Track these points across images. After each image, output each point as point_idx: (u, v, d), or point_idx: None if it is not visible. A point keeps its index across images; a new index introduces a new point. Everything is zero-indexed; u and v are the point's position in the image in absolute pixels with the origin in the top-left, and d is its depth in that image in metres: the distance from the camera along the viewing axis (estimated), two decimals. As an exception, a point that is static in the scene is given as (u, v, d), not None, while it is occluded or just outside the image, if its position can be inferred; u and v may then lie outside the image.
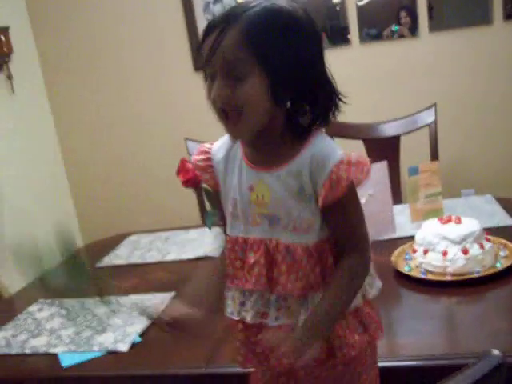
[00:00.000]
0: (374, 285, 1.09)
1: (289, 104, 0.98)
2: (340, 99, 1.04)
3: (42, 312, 1.77)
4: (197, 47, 0.99)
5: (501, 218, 1.91)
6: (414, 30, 3.01)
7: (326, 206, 0.97)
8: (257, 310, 1.05)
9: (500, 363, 0.71)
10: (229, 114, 0.96)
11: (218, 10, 3.14)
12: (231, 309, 1.09)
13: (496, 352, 0.73)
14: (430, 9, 2.97)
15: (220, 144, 1.10)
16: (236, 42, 0.91)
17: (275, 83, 0.94)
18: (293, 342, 0.95)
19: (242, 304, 1.07)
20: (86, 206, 3.63)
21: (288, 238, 1.01)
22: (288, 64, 0.93)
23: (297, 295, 1.01)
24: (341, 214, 1.00)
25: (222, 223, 1.15)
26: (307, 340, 0.96)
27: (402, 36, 3.03)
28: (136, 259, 2.11)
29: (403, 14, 3.02)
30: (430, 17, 2.97)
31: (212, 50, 0.93)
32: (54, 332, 1.62)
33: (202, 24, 3.17)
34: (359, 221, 1.03)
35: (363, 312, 1.06)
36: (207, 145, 1.12)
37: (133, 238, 2.36)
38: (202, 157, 1.10)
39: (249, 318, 1.05)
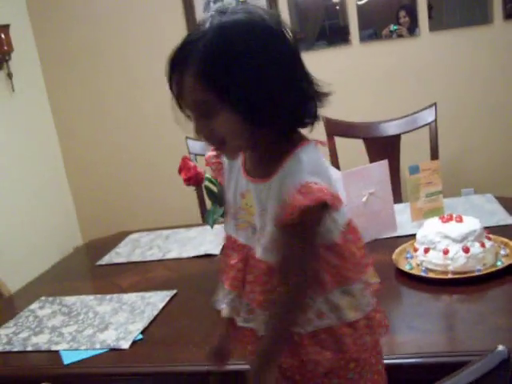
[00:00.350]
0: (359, 308, 1.05)
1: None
2: (318, 99, 1.01)
3: (43, 310, 1.78)
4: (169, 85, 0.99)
5: (501, 217, 1.91)
6: (412, 29, 3.02)
7: (277, 227, 0.96)
8: (232, 307, 1.09)
9: (506, 358, 0.72)
10: (215, 147, 1.02)
11: (218, 8, 3.14)
12: (219, 298, 1.13)
13: (502, 347, 0.73)
14: (430, 8, 2.98)
15: None
16: (194, 87, 0.92)
17: (247, 111, 0.93)
18: (252, 373, 1.00)
19: (227, 302, 1.11)
20: (85, 204, 3.64)
21: (259, 252, 1.02)
22: (255, 89, 0.91)
23: (258, 307, 1.03)
24: (283, 243, 0.97)
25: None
26: (263, 367, 0.99)
27: (400, 36, 3.04)
28: (137, 257, 2.11)
29: (402, 13, 3.03)
30: (430, 16, 2.98)
31: (178, 96, 0.96)
32: (56, 329, 1.63)
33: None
34: (292, 257, 0.98)
35: (338, 332, 1.03)
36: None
37: (134, 236, 2.36)
38: (215, 153, 1.15)
39: (225, 312, 1.10)
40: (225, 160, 1.11)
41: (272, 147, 0.99)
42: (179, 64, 0.93)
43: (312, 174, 0.94)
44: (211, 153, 1.16)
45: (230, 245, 1.10)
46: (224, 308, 1.11)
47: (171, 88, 0.97)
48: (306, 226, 0.94)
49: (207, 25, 0.92)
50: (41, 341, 1.57)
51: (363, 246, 1.08)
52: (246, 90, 0.91)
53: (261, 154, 1.02)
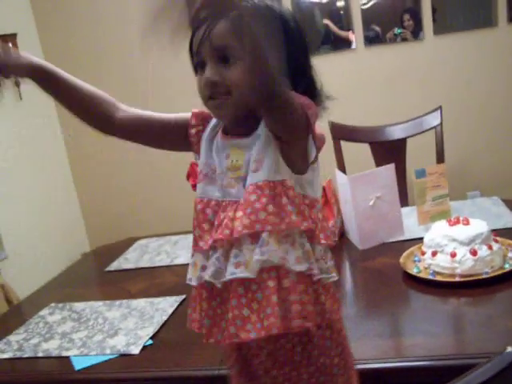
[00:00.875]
0: (330, 268, 1.06)
1: None
2: (320, 99, 1.07)
3: (53, 316, 1.79)
4: (191, 39, 1.02)
5: (508, 220, 1.92)
6: (417, 33, 3.03)
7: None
8: (217, 268, 1.02)
9: (515, 360, 0.72)
10: (217, 96, 1.00)
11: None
12: (190, 275, 1.08)
13: (511, 349, 0.74)
14: (434, 12, 2.98)
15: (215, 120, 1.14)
16: (224, 31, 0.96)
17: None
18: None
19: (204, 268, 1.05)
20: (93, 210, 3.65)
21: (253, 178, 1.00)
22: (273, 54, 0.94)
23: (252, 237, 0.99)
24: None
25: None
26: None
27: (405, 39, 3.05)
28: (145, 263, 2.12)
29: (406, 17, 3.03)
30: (434, 20, 2.99)
31: (202, 38, 0.98)
32: (66, 335, 1.64)
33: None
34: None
35: (318, 288, 1.03)
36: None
37: (142, 242, 2.38)
38: (202, 116, 1.15)
39: (209, 273, 1.03)
40: (209, 124, 1.12)
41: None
42: (214, 15, 0.96)
43: None
44: (198, 110, 1.15)
45: (210, 210, 1.06)
46: (206, 276, 1.04)
47: (193, 33, 1.00)
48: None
49: None
50: (51, 347, 1.58)
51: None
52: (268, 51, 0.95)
53: (248, 118, 1.03)
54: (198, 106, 1.11)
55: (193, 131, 1.15)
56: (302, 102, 0.98)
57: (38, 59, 1.18)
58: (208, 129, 1.13)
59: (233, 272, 1.00)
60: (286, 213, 0.99)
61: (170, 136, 1.19)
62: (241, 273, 0.99)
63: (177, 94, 3.36)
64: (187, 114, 1.18)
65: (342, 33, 3.14)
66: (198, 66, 1.03)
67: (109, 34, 3.36)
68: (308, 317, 1.00)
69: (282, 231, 0.99)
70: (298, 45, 1.04)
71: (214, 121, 1.14)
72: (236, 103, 1.00)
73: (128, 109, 1.24)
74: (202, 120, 1.15)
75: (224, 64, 0.98)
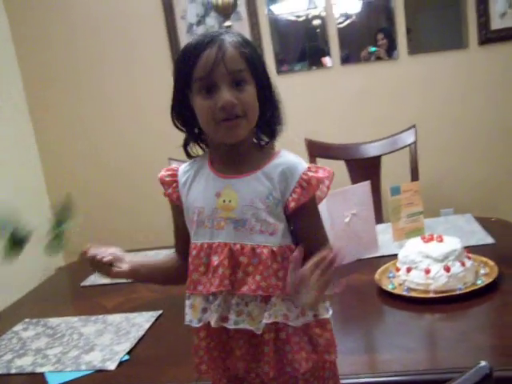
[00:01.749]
0: (326, 307, 1.12)
1: None
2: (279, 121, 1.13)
3: (27, 331, 1.77)
4: (188, 64, 1.05)
5: (480, 237, 1.95)
6: (391, 52, 3.08)
7: (297, 209, 1.05)
8: (220, 314, 1.07)
9: (488, 373, 0.74)
10: (235, 119, 1.04)
11: (201, 31, 3.18)
12: (190, 317, 1.11)
13: (484, 363, 0.76)
14: (408, 32, 3.04)
15: (186, 165, 1.17)
16: (236, 55, 1.04)
17: (260, 94, 1.07)
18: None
19: (205, 310, 1.09)
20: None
21: (255, 240, 1.05)
22: (265, 78, 1.09)
23: (260, 296, 1.05)
24: (311, 216, 1.10)
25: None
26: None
27: (379, 58, 3.10)
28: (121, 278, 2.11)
29: (380, 36, 3.09)
30: (408, 39, 3.05)
31: (216, 63, 1.02)
32: (40, 351, 1.62)
33: (185, 45, 3.21)
34: (323, 225, 1.13)
35: (313, 330, 1.09)
36: (174, 165, 1.20)
37: (117, 257, 2.36)
38: (169, 173, 1.18)
39: (213, 321, 1.07)
40: (181, 177, 1.15)
41: (250, 146, 1.10)
42: (218, 39, 1.04)
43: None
44: (165, 172, 1.18)
45: (204, 253, 1.09)
46: (210, 319, 1.08)
47: (196, 60, 1.03)
48: (317, 200, 1.09)
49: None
50: (25, 363, 1.56)
51: None
52: (263, 75, 1.08)
53: (242, 149, 1.09)
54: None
55: (170, 192, 1.17)
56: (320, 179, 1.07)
57: (134, 261, 1.21)
58: (181, 176, 1.16)
59: (236, 321, 1.06)
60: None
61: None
62: (245, 325, 1.05)
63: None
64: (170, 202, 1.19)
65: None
66: (204, 90, 1.04)
67: (86, 47, 3.35)
68: (300, 362, 1.06)
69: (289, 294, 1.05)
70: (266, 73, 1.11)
71: (184, 166, 1.17)
72: (249, 126, 1.07)
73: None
74: (172, 175, 1.17)
75: (237, 87, 1.04)
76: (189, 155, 1.16)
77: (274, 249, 1.05)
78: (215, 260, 1.06)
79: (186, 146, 1.15)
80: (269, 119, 1.10)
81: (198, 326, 1.10)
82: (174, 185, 1.16)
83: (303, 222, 1.08)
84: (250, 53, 1.05)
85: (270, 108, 1.10)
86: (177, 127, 1.13)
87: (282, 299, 1.05)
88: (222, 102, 1.02)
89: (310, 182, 1.05)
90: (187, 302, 1.12)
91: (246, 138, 1.08)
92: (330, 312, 1.12)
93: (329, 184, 1.09)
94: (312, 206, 1.08)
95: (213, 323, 1.07)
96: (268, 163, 1.08)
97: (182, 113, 1.11)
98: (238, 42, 1.05)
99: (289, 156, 1.09)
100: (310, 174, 1.05)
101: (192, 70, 1.04)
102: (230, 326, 1.06)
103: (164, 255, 1.28)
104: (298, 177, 1.05)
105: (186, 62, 1.05)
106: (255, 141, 1.12)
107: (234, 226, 1.06)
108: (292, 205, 1.04)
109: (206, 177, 1.11)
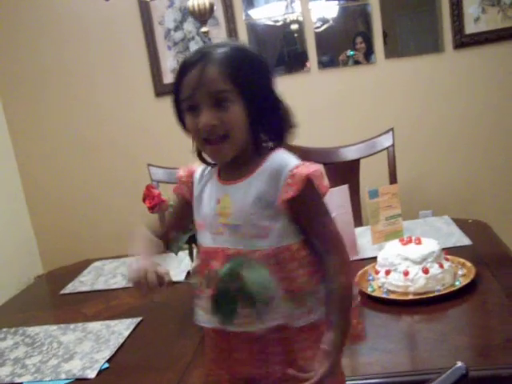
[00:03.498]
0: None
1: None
2: (291, 123, 1.12)
3: (4, 341, 1.75)
4: (174, 84, 1.08)
5: (458, 238, 1.97)
6: (369, 56, 3.11)
7: (290, 207, 1.05)
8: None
9: (464, 374, 0.75)
10: (213, 140, 1.05)
11: (178, 36, 3.18)
12: (202, 317, 1.13)
13: (460, 363, 0.77)
14: (385, 36, 3.07)
15: (202, 167, 1.19)
16: (219, 76, 1.02)
17: (251, 110, 1.05)
18: (333, 361, 1.03)
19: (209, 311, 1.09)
20: (46, 232, 3.59)
21: (248, 244, 1.06)
22: (258, 93, 1.06)
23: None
24: (306, 211, 1.07)
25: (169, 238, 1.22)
26: (339, 336, 1.05)
27: (357, 62, 3.12)
28: (101, 285, 2.10)
29: (359, 39, 3.11)
30: (385, 43, 3.07)
31: (197, 85, 1.02)
32: (19, 361, 1.60)
33: (163, 51, 3.21)
34: (327, 220, 1.09)
35: (320, 329, 1.09)
36: (193, 166, 1.21)
37: (97, 264, 2.35)
38: (187, 173, 1.20)
39: (218, 323, 1.08)
40: (197, 179, 1.17)
41: (251, 153, 1.09)
42: (204, 58, 1.04)
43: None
44: (183, 172, 1.20)
45: (207, 256, 1.11)
46: (209, 319, 1.10)
47: (181, 80, 1.05)
48: (318, 192, 1.07)
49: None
50: (3, 373, 1.54)
51: None
52: (255, 91, 1.06)
53: (239, 159, 1.09)
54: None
55: (185, 189, 1.19)
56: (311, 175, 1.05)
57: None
58: (196, 178, 1.18)
59: (240, 323, 1.05)
60: (294, 278, 1.06)
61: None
62: (245, 328, 1.06)
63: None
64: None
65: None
66: (190, 109, 1.06)
67: (64, 53, 3.33)
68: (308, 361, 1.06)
69: (290, 295, 1.06)
70: (268, 74, 1.10)
71: (202, 167, 1.18)
72: (234, 146, 1.06)
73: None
74: (189, 175, 1.19)
75: (219, 108, 1.03)
76: (204, 161, 1.16)
77: (269, 251, 1.05)
78: (214, 265, 1.08)
79: (200, 153, 1.14)
80: (274, 127, 1.10)
81: (209, 326, 1.12)
82: (190, 185, 1.18)
83: (300, 220, 1.08)
84: (237, 70, 1.04)
85: (272, 118, 1.09)
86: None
87: (283, 300, 1.05)
88: (201, 124, 1.04)
89: (295, 177, 1.04)
90: (198, 302, 1.13)
91: (241, 151, 1.08)
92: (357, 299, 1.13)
93: (319, 179, 1.06)
94: (303, 203, 1.06)
95: (216, 325, 1.09)
96: (260, 166, 1.08)
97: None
98: (224, 60, 1.04)
99: (280, 156, 1.09)
100: (295, 170, 1.05)
101: (179, 89, 1.06)
102: (231, 328, 1.07)
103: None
104: (286, 175, 1.05)
105: (176, 80, 1.07)
106: (255, 150, 1.10)
107: (230, 232, 1.08)
108: (279, 201, 1.05)
109: (212, 183, 1.14)
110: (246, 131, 1.06)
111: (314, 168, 1.06)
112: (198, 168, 1.19)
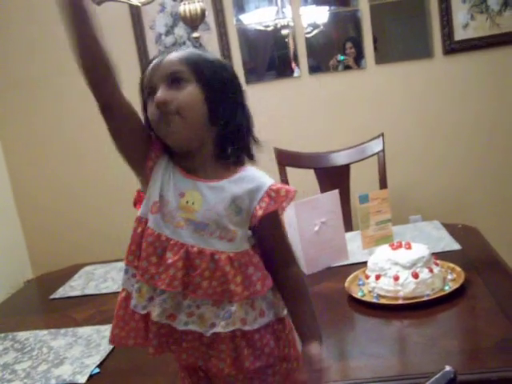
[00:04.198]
0: (283, 304, 1.16)
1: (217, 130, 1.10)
2: (254, 138, 1.14)
3: (-6, 346, 1.74)
4: (140, 80, 1.12)
5: (447, 243, 1.99)
6: (359, 61, 3.12)
7: (264, 219, 1.07)
8: (164, 309, 1.06)
9: (452, 378, 0.75)
10: (169, 117, 1.05)
11: (169, 41, 3.19)
12: (136, 301, 1.09)
13: (449, 368, 0.77)
14: (375, 41, 3.09)
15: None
16: (177, 60, 1.07)
17: (209, 99, 1.07)
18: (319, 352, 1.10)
19: (150, 299, 1.08)
20: (36, 236, 3.57)
21: (213, 245, 1.06)
22: (219, 84, 1.09)
23: (214, 301, 1.06)
24: (276, 227, 1.13)
25: None
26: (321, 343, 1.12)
27: (348, 67, 3.14)
28: (91, 290, 2.09)
29: (349, 45, 3.13)
30: (375, 48, 3.09)
31: (156, 69, 1.07)
32: (8, 367, 1.59)
33: (154, 55, 3.21)
34: (285, 233, 1.18)
35: (274, 328, 1.13)
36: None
37: (87, 268, 2.35)
38: (160, 147, 1.12)
39: (155, 314, 1.06)
40: (159, 163, 1.11)
41: (219, 155, 1.11)
42: (164, 54, 1.09)
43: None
44: (152, 154, 1.12)
45: (160, 244, 1.07)
46: (153, 314, 1.07)
47: (146, 69, 1.10)
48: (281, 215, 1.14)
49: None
50: (-8, 379, 1.54)
51: None
52: (215, 84, 1.08)
53: (207, 157, 1.10)
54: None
55: (152, 155, 1.11)
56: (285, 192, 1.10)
57: None
58: (163, 161, 1.12)
59: (186, 322, 1.07)
60: (251, 282, 1.08)
61: (140, 144, 1.12)
62: (195, 326, 1.07)
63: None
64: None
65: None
66: (150, 96, 1.07)
67: (53, 59, 3.32)
68: (262, 357, 1.10)
69: (247, 299, 1.08)
70: (236, 84, 1.13)
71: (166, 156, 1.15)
72: (187, 125, 1.05)
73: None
74: (161, 151, 1.12)
75: (174, 87, 1.05)
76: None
77: (232, 255, 1.06)
78: (169, 258, 1.05)
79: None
80: (233, 133, 1.10)
81: (142, 312, 1.08)
82: (159, 156, 1.11)
83: (269, 233, 1.12)
84: (194, 57, 1.08)
85: (231, 120, 1.09)
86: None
87: (240, 304, 1.06)
88: (155, 100, 1.05)
89: (279, 192, 1.08)
90: (135, 286, 1.09)
91: (200, 143, 1.08)
92: (285, 311, 1.16)
93: (290, 201, 1.11)
94: (278, 218, 1.13)
95: (154, 316, 1.06)
96: (235, 174, 1.10)
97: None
98: (184, 52, 1.09)
99: (255, 170, 1.13)
100: (279, 186, 1.09)
101: (143, 81, 1.10)
102: (179, 326, 1.07)
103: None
104: (267, 188, 1.08)
105: (141, 75, 1.11)
106: (217, 152, 1.11)
107: (194, 229, 1.06)
108: (260, 213, 1.06)
109: (171, 171, 1.10)
110: (201, 117, 1.07)
111: (292, 188, 1.11)
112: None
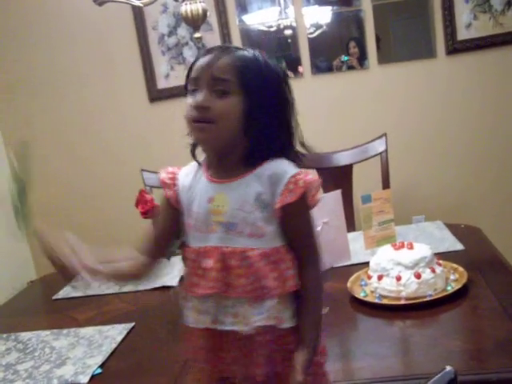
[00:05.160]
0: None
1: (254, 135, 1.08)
2: (297, 152, 1.15)
3: (-3, 347, 1.75)
4: (189, 69, 1.10)
5: (450, 243, 1.98)
6: (362, 61, 3.12)
7: (284, 212, 1.06)
8: (213, 314, 1.09)
9: (453, 378, 0.75)
10: (203, 123, 1.05)
11: (172, 42, 3.19)
12: (191, 318, 1.12)
13: (449, 368, 0.77)
14: (378, 41, 3.08)
15: (187, 167, 1.18)
16: (227, 66, 1.05)
17: (248, 112, 1.06)
18: (303, 361, 1.05)
19: (200, 312, 1.10)
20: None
21: (244, 243, 1.07)
22: (263, 99, 1.07)
23: (253, 298, 1.06)
24: (297, 220, 1.09)
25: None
26: (311, 353, 1.07)
27: (351, 67, 3.13)
28: (93, 291, 2.09)
29: (352, 44, 3.12)
30: (378, 48, 3.08)
31: (204, 68, 1.06)
32: (11, 367, 1.60)
33: (156, 56, 3.21)
34: (313, 232, 1.13)
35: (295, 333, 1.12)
36: (175, 168, 1.20)
37: (90, 269, 2.34)
38: (170, 175, 1.18)
39: (207, 323, 1.09)
40: (182, 180, 1.16)
41: (247, 161, 1.09)
42: (222, 49, 1.08)
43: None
44: (165, 174, 1.18)
45: (200, 256, 1.10)
46: (199, 319, 1.10)
47: (194, 64, 1.09)
48: (308, 207, 1.09)
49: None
50: (-5, 379, 1.54)
51: None
52: (260, 95, 1.07)
53: (234, 162, 1.10)
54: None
55: (169, 193, 1.16)
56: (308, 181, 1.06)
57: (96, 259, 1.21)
58: (180, 180, 1.16)
59: (228, 323, 1.08)
60: (284, 278, 1.08)
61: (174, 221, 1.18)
62: (234, 326, 1.07)
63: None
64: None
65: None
66: (192, 93, 1.08)
67: (58, 58, 3.33)
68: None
69: (282, 295, 1.08)
70: (283, 91, 1.14)
71: (185, 169, 1.18)
72: (219, 134, 1.06)
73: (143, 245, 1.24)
74: (172, 178, 1.17)
75: (217, 94, 1.05)
76: (195, 158, 1.17)
77: (263, 251, 1.06)
78: (208, 263, 1.07)
79: (193, 150, 1.15)
80: (267, 146, 1.09)
81: (197, 327, 1.11)
82: (175, 188, 1.16)
83: (289, 226, 1.09)
84: (246, 67, 1.06)
85: (266, 134, 1.08)
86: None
87: (277, 301, 1.07)
88: (194, 102, 1.05)
89: (297, 183, 1.05)
90: (188, 304, 1.12)
91: (230, 149, 1.08)
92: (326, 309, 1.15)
93: (317, 189, 1.09)
94: (298, 212, 1.08)
95: (207, 324, 1.09)
96: (257, 168, 1.08)
97: None
98: (238, 56, 1.07)
99: (278, 161, 1.09)
100: (298, 176, 1.06)
101: (190, 72, 1.09)
102: (222, 327, 1.08)
103: (127, 259, 1.23)
104: (287, 180, 1.06)
105: (191, 64, 1.10)
106: (246, 158, 1.10)
107: (224, 230, 1.08)
108: (278, 205, 1.05)
109: (202, 182, 1.13)
110: (236, 128, 1.06)
111: (315, 177, 1.08)
112: (181, 171, 1.18)
